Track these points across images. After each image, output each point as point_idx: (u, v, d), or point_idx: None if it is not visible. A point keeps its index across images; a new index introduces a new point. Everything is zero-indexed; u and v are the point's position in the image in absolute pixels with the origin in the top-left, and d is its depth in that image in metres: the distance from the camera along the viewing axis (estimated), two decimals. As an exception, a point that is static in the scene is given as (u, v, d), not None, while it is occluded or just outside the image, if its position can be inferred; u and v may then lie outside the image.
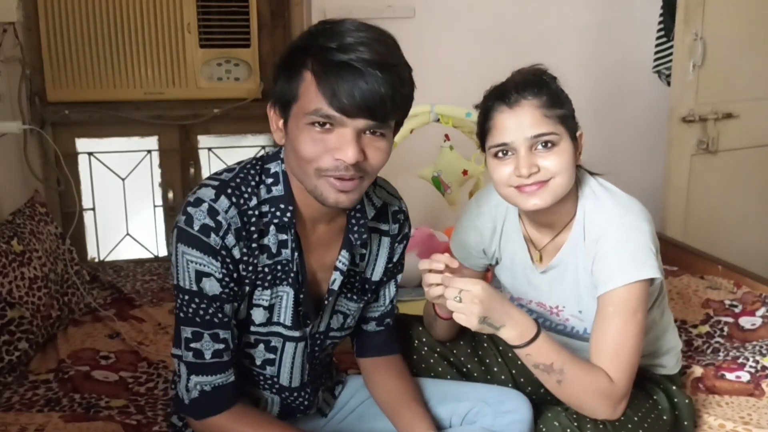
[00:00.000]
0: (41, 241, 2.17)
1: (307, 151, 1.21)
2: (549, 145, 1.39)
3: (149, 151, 3.05)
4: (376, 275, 1.48)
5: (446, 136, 2.48)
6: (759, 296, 2.31)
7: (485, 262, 1.67)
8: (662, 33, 3.20)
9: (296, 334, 1.38)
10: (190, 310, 1.28)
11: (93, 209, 3.04)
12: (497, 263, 1.65)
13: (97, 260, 3.03)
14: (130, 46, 2.89)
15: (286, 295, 1.35)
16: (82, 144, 2.98)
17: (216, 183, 1.28)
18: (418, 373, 1.64)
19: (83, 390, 1.83)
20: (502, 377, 1.69)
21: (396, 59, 1.23)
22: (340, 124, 1.20)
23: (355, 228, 1.37)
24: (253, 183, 1.29)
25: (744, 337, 2.12)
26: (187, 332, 1.29)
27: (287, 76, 1.23)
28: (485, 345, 1.73)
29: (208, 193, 1.25)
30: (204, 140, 3.12)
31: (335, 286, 1.38)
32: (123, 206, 3.06)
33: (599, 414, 1.39)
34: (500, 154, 1.42)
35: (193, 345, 1.29)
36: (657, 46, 3.24)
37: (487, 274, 1.74)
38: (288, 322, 1.36)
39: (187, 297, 1.27)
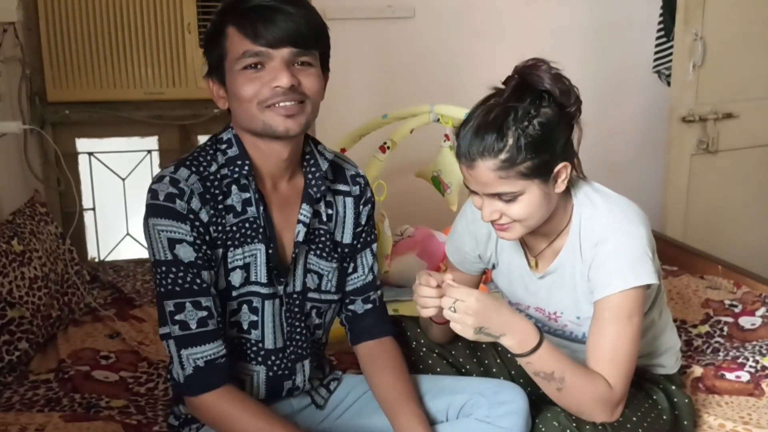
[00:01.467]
0: (41, 241, 2.17)
1: (246, 91, 1.32)
2: (510, 200, 1.37)
3: (149, 151, 3.05)
4: (347, 237, 1.53)
5: (446, 136, 2.48)
6: (759, 296, 2.32)
7: (481, 267, 1.67)
8: (662, 33, 3.20)
9: (271, 290, 1.43)
10: (169, 280, 1.33)
11: (93, 209, 3.04)
12: (494, 267, 1.65)
13: (97, 260, 3.03)
14: (130, 46, 2.89)
15: (259, 252, 1.40)
16: (82, 144, 2.98)
17: (175, 162, 1.40)
18: (417, 373, 1.64)
19: (83, 390, 1.83)
20: (501, 377, 1.69)
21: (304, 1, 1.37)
22: (268, 58, 1.31)
23: (313, 182, 1.45)
24: (210, 152, 1.40)
25: (744, 337, 2.12)
26: (169, 305, 1.34)
27: (213, 40, 1.37)
28: (483, 345, 1.73)
29: (167, 170, 1.37)
30: (204, 140, 3.11)
31: (300, 238, 1.43)
32: (123, 206, 3.06)
33: (597, 418, 1.40)
34: (471, 190, 1.43)
35: (177, 317, 1.33)
36: (657, 46, 3.24)
37: (488, 272, 1.74)
38: (263, 280, 1.41)
39: (164, 268, 1.33)
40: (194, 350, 1.34)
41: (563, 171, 1.39)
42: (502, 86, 1.41)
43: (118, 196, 3.04)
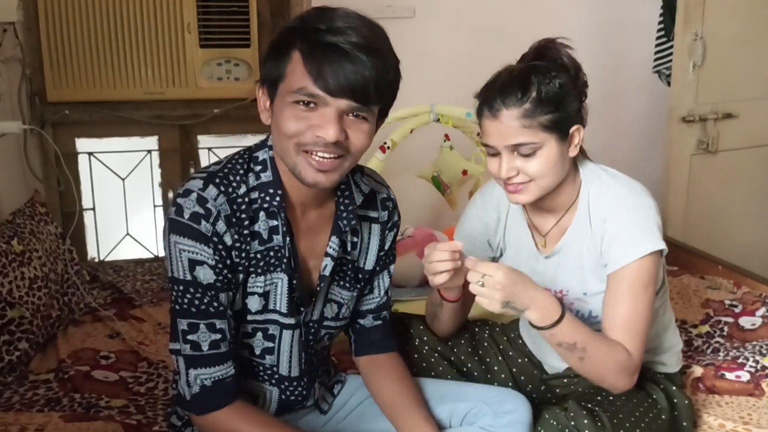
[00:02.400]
0: (41, 241, 2.17)
1: (289, 127, 1.24)
2: (529, 153, 1.42)
3: (149, 151, 3.05)
4: (369, 264, 1.49)
5: (446, 136, 2.48)
6: (759, 296, 2.32)
7: (489, 255, 1.67)
8: (662, 33, 3.20)
9: (292, 321, 1.39)
10: (186, 300, 1.28)
11: (93, 209, 3.04)
12: (501, 255, 1.66)
13: (97, 260, 3.03)
14: (130, 46, 2.89)
15: (281, 281, 1.36)
16: (82, 144, 2.98)
17: (204, 174, 1.30)
18: (418, 372, 1.64)
19: (83, 390, 1.83)
20: (502, 376, 1.70)
21: (383, 45, 1.27)
22: (323, 104, 1.23)
23: (344, 214, 1.39)
24: (241, 171, 1.32)
25: (744, 337, 2.13)
26: (183, 324, 1.30)
27: (276, 56, 1.26)
28: (485, 344, 1.73)
29: (196, 184, 1.28)
30: (204, 140, 3.12)
31: (326, 272, 1.39)
32: (123, 206, 3.06)
33: (618, 386, 1.46)
34: (489, 151, 1.47)
35: (189, 337, 1.30)
36: (657, 46, 3.24)
37: None
38: (284, 309, 1.37)
39: (182, 287, 1.28)
40: (203, 371, 1.31)
41: (577, 134, 1.46)
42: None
43: (118, 196, 3.04)
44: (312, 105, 1.23)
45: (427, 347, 1.67)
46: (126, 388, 1.87)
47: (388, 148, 2.38)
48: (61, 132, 2.91)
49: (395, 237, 1.53)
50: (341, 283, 1.46)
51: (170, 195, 3.06)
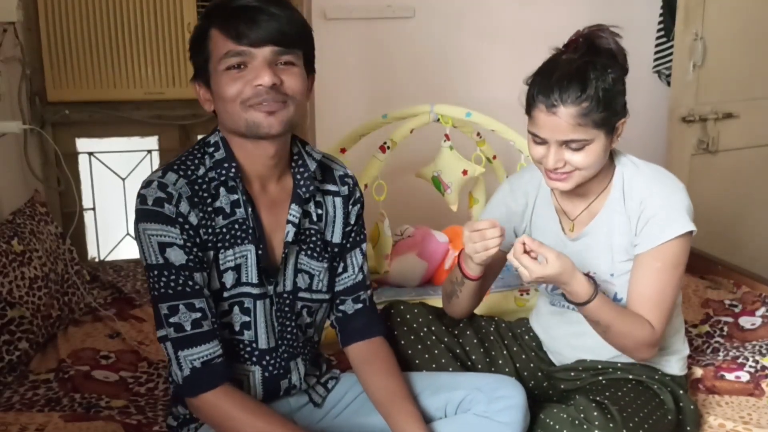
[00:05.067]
0: (41, 241, 2.17)
1: (229, 91, 1.34)
2: (579, 148, 1.47)
3: (149, 151, 3.05)
4: (336, 236, 1.54)
5: (446, 136, 2.48)
6: (759, 296, 2.32)
7: (512, 243, 1.68)
8: (662, 33, 3.20)
9: (261, 290, 1.44)
10: (161, 284, 1.34)
11: (93, 209, 3.04)
12: None
13: (97, 260, 3.02)
14: (130, 46, 2.89)
15: (249, 253, 1.42)
16: (82, 144, 2.98)
17: (162, 167, 1.41)
18: (422, 363, 1.66)
19: (83, 390, 1.83)
20: (506, 370, 1.72)
21: (286, 3, 1.38)
22: (250, 58, 1.33)
23: (302, 182, 1.46)
24: (198, 155, 1.42)
25: (744, 337, 2.13)
26: (164, 308, 1.35)
27: (198, 44, 1.38)
28: (492, 338, 1.76)
29: (155, 175, 1.38)
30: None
31: (289, 238, 1.44)
32: (123, 206, 3.06)
33: (639, 356, 1.55)
34: (536, 140, 1.51)
35: (172, 320, 1.35)
36: (657, 46, 3.24)
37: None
38: (254, 280, 1.43)
39: (156, 272, 1.34)
40: (190, 351, 1.35)
41: (622, 126, 1.53)
42: (563, 49, 1.52)
43: (118, 196, 3.04)
44: (242, 66, 1.33)
45: (434, 337, 1.69)
46: (126, 388, 1.87)
47: (388, 148, 2.38)
48: (61, 132, 2.91)
49: (360, 214, 1.59)
50: (309, 252, 1.50)
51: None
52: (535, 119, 1.48)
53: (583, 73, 1.44)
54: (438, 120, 2.43)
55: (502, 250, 1.50)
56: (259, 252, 1.42)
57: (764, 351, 2.00)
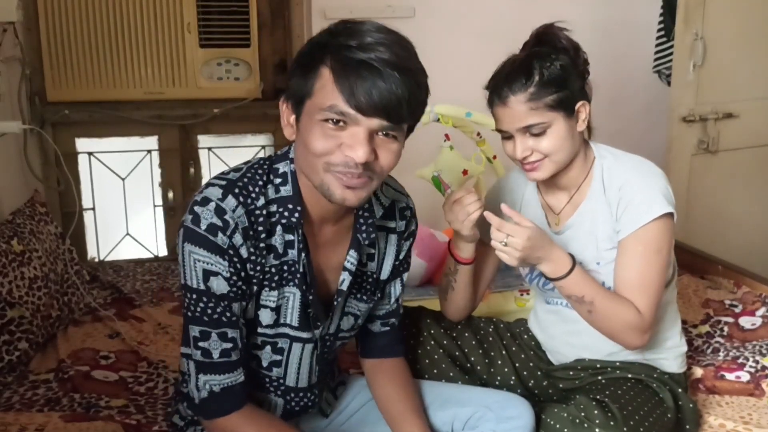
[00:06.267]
0: (41, 241, 2.17)
1: (318, 146, 1.21)
2: (539, 132, 1.51)
3: (149, 151, 3.05)
4: (385, 273, 1.47)
5: (446, 135, 2.48)
6: (759, 296, 2.31)
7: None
8: (662, 33, 3.20)
9: (304, 335, 1.37)
10: (198, 309, 1.27)
11: (93, 209, 3.04)
12: None
13: (97, 260, 3.03)
14: (130, 46, 2.89)
15: (293, 296, 1.34)
16: (82, 144, 2.98)
17: (223, 182, 1.27)
18: (422, 368, 1.66)
19: (83, 390, 1.83)
20: (505, 370, 1.72)
21: (414, 63, 1.23)
22: (354, 123, 1.19)
23: (363, 228, 1.36)
24: (261, 182, 1.29)
25: (744, 337, 2.12)
26: (195, 331, 1.28)
27: (303, 71, 1.23)
28: (491, 339, 1.77)
29: (215, 192, 1.25)
30: (204, 140, 3.11)
31: (344, 287, 1.37)
32: (123, 206, 3.06)
33: (629, 342, 1.53)
34: (503, 135, 1.57)
35: (201, 344, 1.29)
36: (657, 46, 3.24)
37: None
38: (295, 323, 1.36)
39: (195, 296, 1.26)
40: (212, 377, 1.30)
41: (583, 109, 1.55)
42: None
43: (118, 196, 3.04)
44: (342, 123, 1.19)
45: (433, 341, 1.70)
46: (126, 388, 1.87)
47: (388, 148, 2.38)
48: (61, 132, 2.91)
49: (411, 246, 1.52)
50: (358, 296, 1.44)
51: (170, 195, 3.06)
52: (496, 116, 1.55)
53: (527, 64, 1.51)
54: (438, 120, 2.43)
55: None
56: (311, 298, 1.34)
57: (764, 351, 1.99)
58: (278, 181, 1.30)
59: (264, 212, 1.28)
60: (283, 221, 1.29)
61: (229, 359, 1.30)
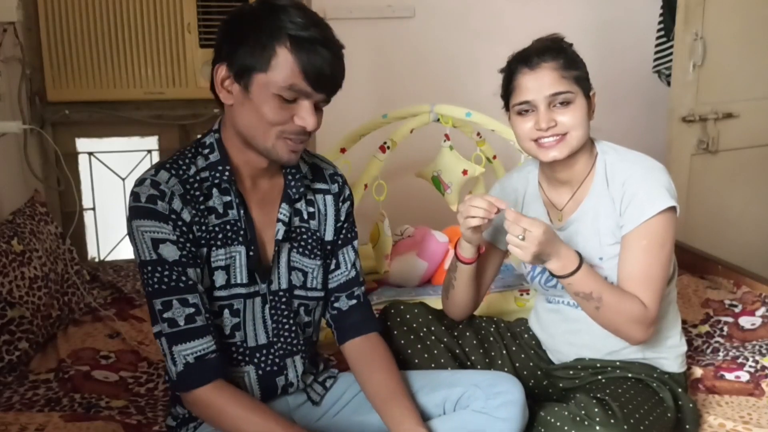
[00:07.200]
0: (41, 241, 2.17)
1: (274, 116, 1.34)
2: (566, 102, 1.54)
3: (149, 151, 3.06)
4: (329, 234, 1.57)
5: (446, 136, 2.48)
6: (759, 296, 2.31)
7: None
8: (662, 33, 3.20)
9: (252, 289, 1.45)
10: (155, 279, 1.35)
11: (93, 209, 3.04)
12: None
13: (97, 260, 3.03)
14: (130, 46, 2.89)
15: (239, 254, 1.43)
16: (82, 144, 2.98)
17: (154, 166, 1.42)
18: (422, 363, 1.67)
19: (83, 390, 1.83)
20: (505, 370, 1.73)
21: (337, 38, 1.38)
22: (305, 96, 1.34)
23: (293, 183, 1.49)
24: (189, 155, 1.43)
25: (744, 337, 2.12)
26: (157, 304, 1.36)
27: (254, 46, 1.33)
28: (491, 338, 1.77)
29: (147, 173, 1.39)
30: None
31: (279, 236, 1.47)
32: (123, 206, 3.06)
33: (634, 337, 1.54)
34: (523, 111, 1.57)
35: (165, 315, 1.36)
36: (657, 46, 3.24)
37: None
38: (244, 281, 1.44)
39: (149, 268, 1.36)
40: (184, 346, 1.36)
41: (593, 99, 1.61)
42: None
43: (118, 196, 3.04)
44: (294, 100, 1.34)
45: (433, 337, 1.70)
46: (126, 388, 1.87)
47: (388, 148, 2.38)
48: (61, 132, 2.91)
49: (350, 211, 1.62)
50: (301, 250, 1.52)
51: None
52: (519, 86, 1.57)
53: (556, 41, 1.58)
54: (438, 120, 2.43)
55: (498, 247, 1.50)
56: (251, 254, 1.43)
57: (764, 351, 2.00)
58: (206, 151, 1.44)
59: (197, 178, 1.41)
60: (216, 182, 1.41)
61: (195, 325, 1.37)
